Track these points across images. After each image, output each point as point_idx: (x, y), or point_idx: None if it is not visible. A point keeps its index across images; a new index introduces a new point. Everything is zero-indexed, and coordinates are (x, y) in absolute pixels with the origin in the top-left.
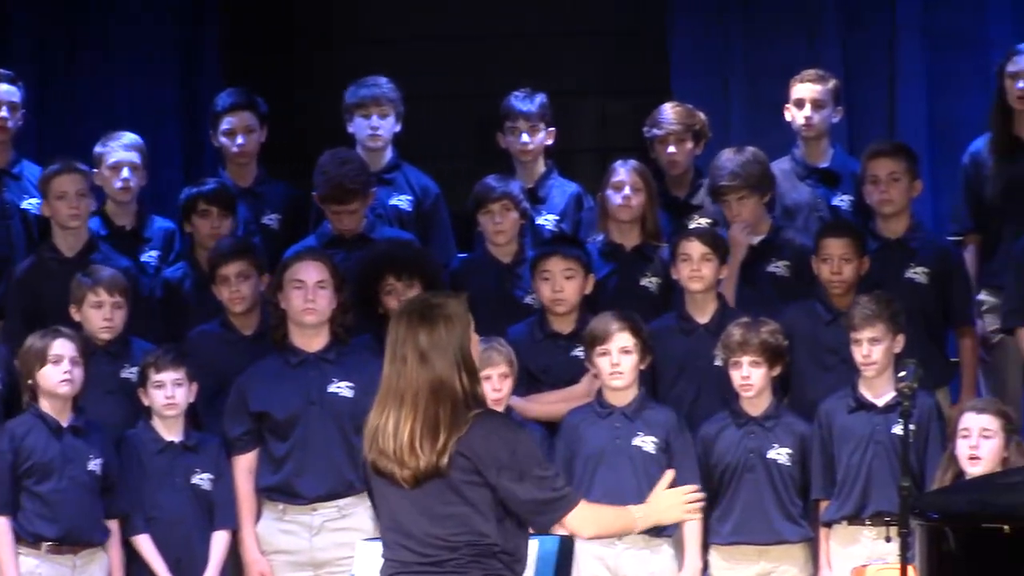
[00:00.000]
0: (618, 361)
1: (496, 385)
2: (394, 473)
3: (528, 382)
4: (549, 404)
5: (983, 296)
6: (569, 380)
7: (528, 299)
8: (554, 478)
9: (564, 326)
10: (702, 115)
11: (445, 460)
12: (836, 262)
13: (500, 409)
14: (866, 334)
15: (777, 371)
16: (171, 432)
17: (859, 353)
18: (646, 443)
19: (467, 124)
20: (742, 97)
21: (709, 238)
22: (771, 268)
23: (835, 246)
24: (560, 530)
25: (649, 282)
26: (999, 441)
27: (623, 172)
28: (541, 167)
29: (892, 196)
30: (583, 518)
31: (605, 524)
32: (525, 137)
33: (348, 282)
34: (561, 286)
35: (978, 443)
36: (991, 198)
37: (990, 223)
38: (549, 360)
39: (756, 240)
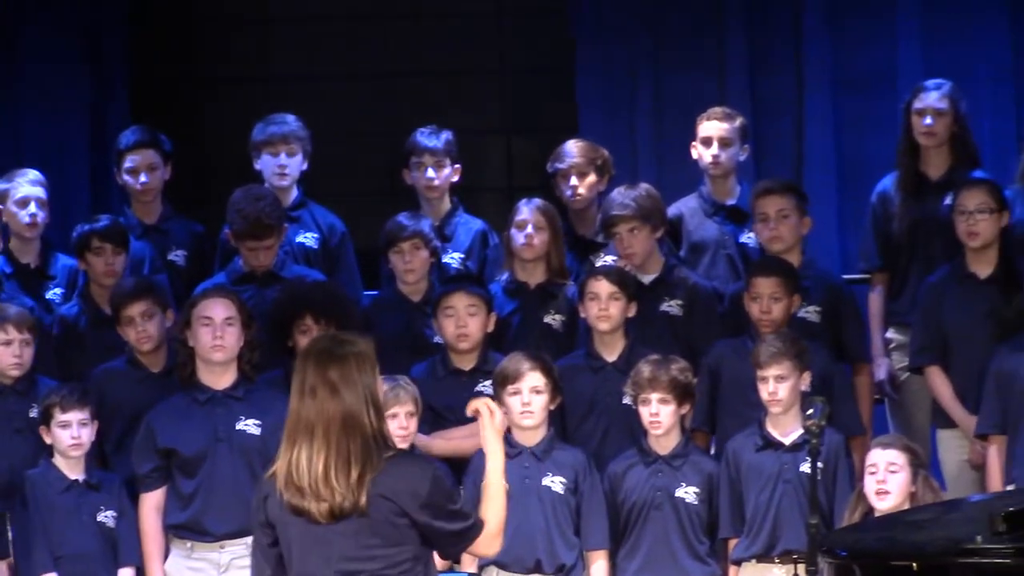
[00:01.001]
0: (529, 401)
1: (403, 423)
2: (310, 509)
3: (432, 420)
4: (454, 441)
5: (891, 334)
6: (473, 417)
7: (438, 338)
8: (464, 510)
9: (466, 363)
10: (605, 151)
11: (364, 499)
12: (765, 301)
13: (406, 447)
14: (772, 371)
15: (686, 409)
16: (74, 471)
17: (765, 390)
18: (555, 483)
19: (373, 161)
20: (649, 135)
21: (616, 276)
22: (665, 307)
23: (764, 284)
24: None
25: (553, 319)
26: (906, 476)
27: (526, 211)
28: (447, 204)
29: (781, 233)
30: (487, 537)
31: (498, 523)
32: (431, 173)
33: (260, 319)
34: (465, 322)
35: (885, 478)
36: (898, 236)
37: (898, 261)
38: (452, 397)
39: (648, 279)
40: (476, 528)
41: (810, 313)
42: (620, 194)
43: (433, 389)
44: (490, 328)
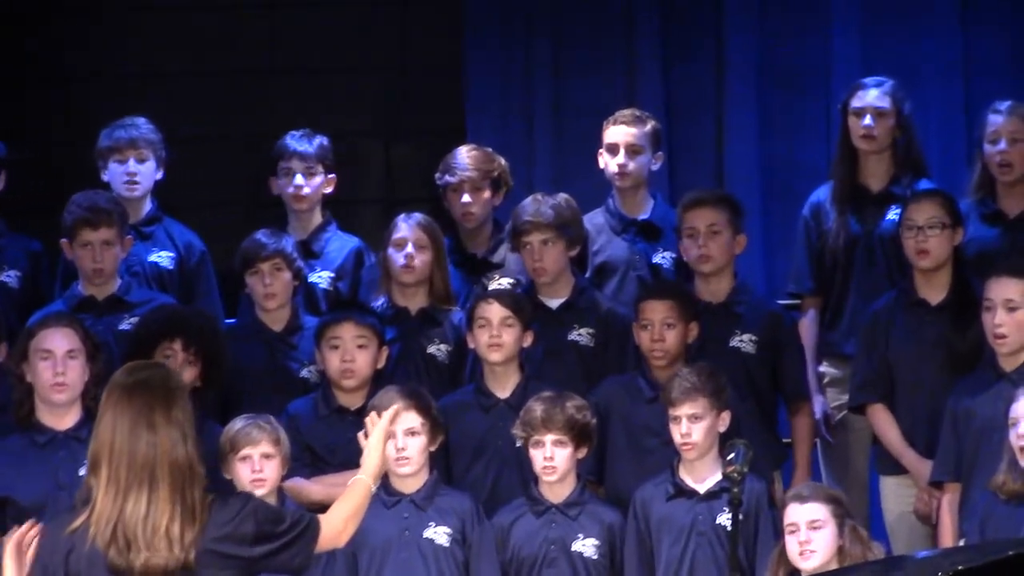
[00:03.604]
0: (404, 445)
1: (256, 466)
2: (133, 566)
3: (313, 463)
4: (334, 487)
5: (825, 368)
6: (360, 461)
7: (304, 372)
8: (291, 522)
9: (353, 401)
10: (502, 160)
11: (193, 555)
12: (657, 328)
13: (264, 492)
14: (685, 410)
15: (584, 453)
16: None
17: (677, 432)
18: (439, 534)
19: (237, 171)
20: (548, 141)
21: (510, 301)
22: (573, 336)
23: (656, 310)
24: None
25: (437, 350)
26: (831, 530)
27: (406, 227)
28: (317, 218)
29: (712, 252)
30: (330, 529)
31: (343, 517)
32: (300, 181)
33: (106, 349)
34: (352, 356)
35: (808, 537)
36: (834, 255)
37: (832, 284)
38: (336, 438)
39: (556, 304)
40: (313, 528)
41: (744, 343)
42: (536, 201)
43: (314, 429)
44: (380, 363)
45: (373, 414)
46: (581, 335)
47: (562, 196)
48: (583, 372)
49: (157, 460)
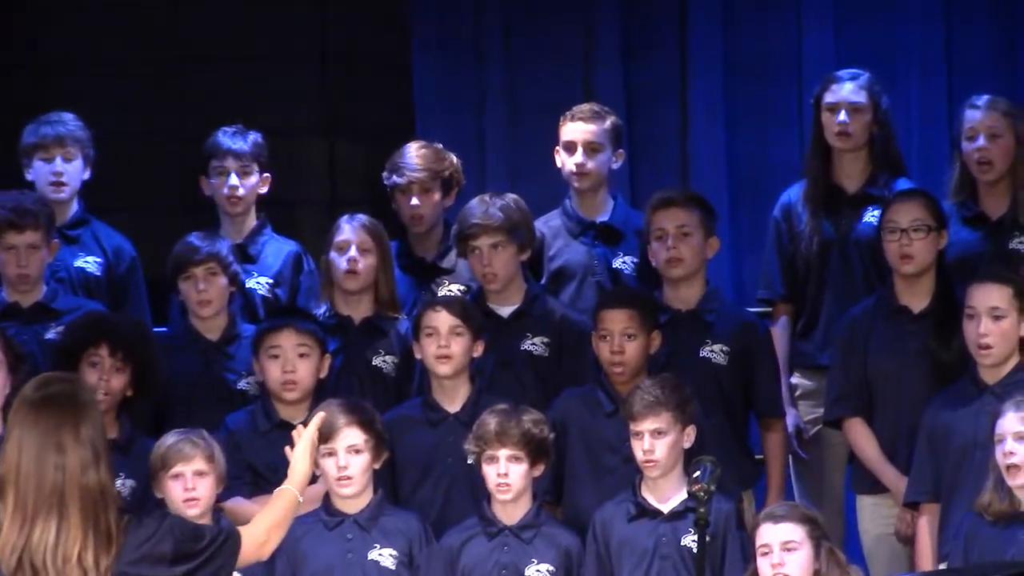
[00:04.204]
0: (346, 463)
1: (189, 484)
2: None
3: (254, 481)
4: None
5: (797, 379)
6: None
7: (243, 384)
8: (211, 538)
9: (295, 414)
10: (454, 158)
11: None
12: (617, 339)
13: (198, 512)
14: (647, 425)
15: (540, 470)
16: None
17: (639, 448)
18: (384, 557)
19: (168, 171)
20: (501, 139)
21: (459, 308)
22: (527, 346)
23: (616, 319)
24: None
25: (383, 362)
26: (807, 552)
27: (349, 230)
28: (253, 220)
29: (683, 255)
30: (252, 541)
31: (265, 528)
32: (234, 180)
33: (29, 360)
34: (293, 366)
35: (782, 559)
36: (807, 260)
37: (805, 290)
38: (277, 455)
39: (507, 311)
40: (233, 541)
41: (715, 353)
42: (483, 202)
43: (254, 445)
44: (323, 373)
45: (300, 425)
46: (535, 344)
47: (511, 197)
48: (537, 384)
49: (66, 485)
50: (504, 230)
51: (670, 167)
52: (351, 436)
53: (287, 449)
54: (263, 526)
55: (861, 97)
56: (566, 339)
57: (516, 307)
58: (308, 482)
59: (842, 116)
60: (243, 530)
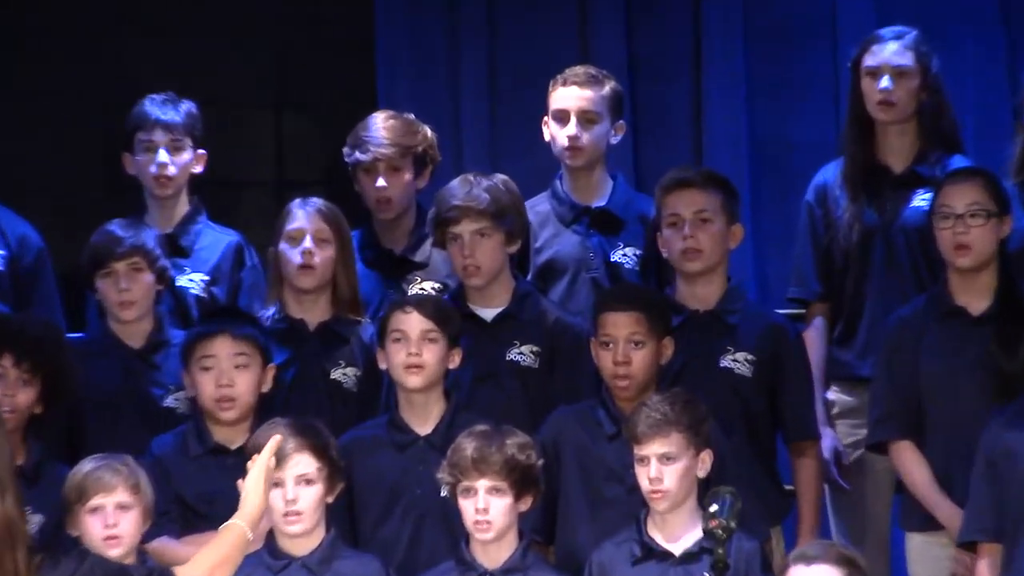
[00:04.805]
0: (295, 496)
1: (110, 519)
2: None
3: (185, 516)
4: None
5: (834, 394)
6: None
7: (170, 400)
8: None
9: (232, 436)
10: (428, 131)
11: None
12: (621, 346)
13: (120, 553)
14: (654, 448)
15: (527, 504)
16: None
17: (645, 476)
18: None
19: (85, 150)
20: (479, 110)
21: (433, 310)
22: (514, 356)
23: (620, 323)
24: None
25: (343, 374)
26: None
27: (302, 217)
28: (185, 205)
29: (701, 245)
30: None
31: (212, 561)
32: (163, 157)
33: None
34: (231, 379)
35: None
36: (845, 252)
37: (844, 287)
38: (213, 485)
39: (491, 314)
40: None
41: (738, 363)
42: (466, 182)
43: (185, 473)
44: (266, 387)
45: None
46: (523, 354)
47: (499, 177)
48: (526, 401)
49: None
50: (490, 215)
51: (680, 144)
52: (302, 464)
53: (240, 483)
54: (205, 565)
55: (907, 59)
56: (561, 348)
57: (502, 309)
58: (261, 517)
59: (885, 82)
60: (180, 571)
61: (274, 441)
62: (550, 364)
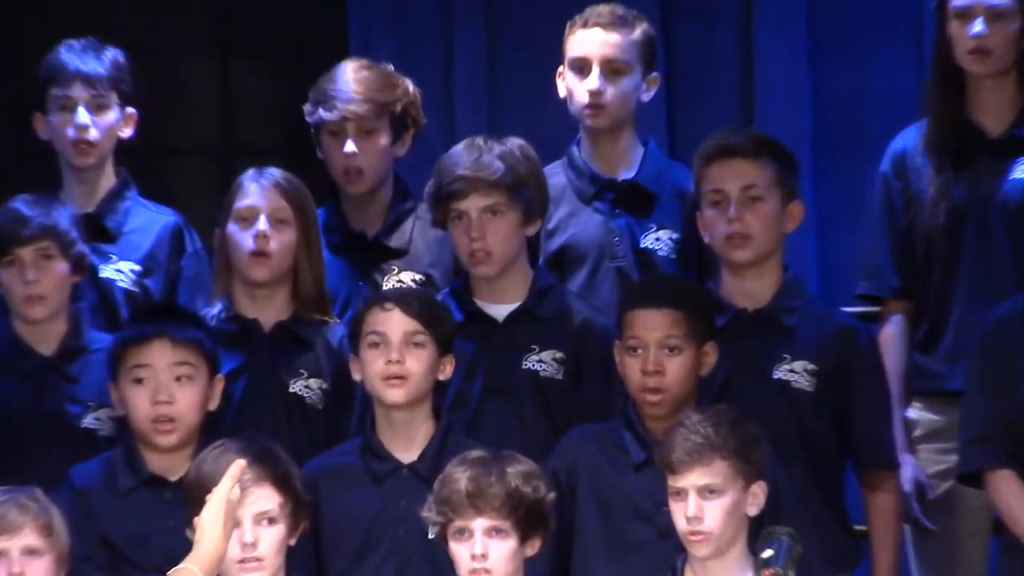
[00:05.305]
0: (253, 539)
1: (15, 568)
2: None
3: (112, 561)
4: None
5: (917, 412)
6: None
7: (91, 419)
8: None
9: (171, 464)
10: (410, 85)
11: None
12: (653, 353)
13: None
14: (694, 480)
15: (536, 547)
16: None
17: (682, 515)
18: None
19: None
20: (474, 64)
21: (418, 307)
22: (531, 364)
23: (651, 324)
24: None
25: (305, 387)
26: None
27: (256, 192)
28: (111, 178)
29: (751, 229)
30: None
31: None
32: (84, 117)
33: None
34: (170, 394)
35: None
36: (930, 236)
37: (928, 281)
38: (147, 525)
39: (504, 312)
40: None
41: (796, 374)
42: (474, 147)
43: (113, 509)
44: (213, 404)
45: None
46: (544, 362)
47: (515, 142)
48: (546, 420)
49: None
50: (505, 188)
51: (726, 103)
52: (262, 499)
53: (196, 520)
54: None
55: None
56: (590, 355)
57: (517, 306)
58: (221, 561)
59: (978, 26)
60: None
61: (237, 467)
62: (577, 375)
